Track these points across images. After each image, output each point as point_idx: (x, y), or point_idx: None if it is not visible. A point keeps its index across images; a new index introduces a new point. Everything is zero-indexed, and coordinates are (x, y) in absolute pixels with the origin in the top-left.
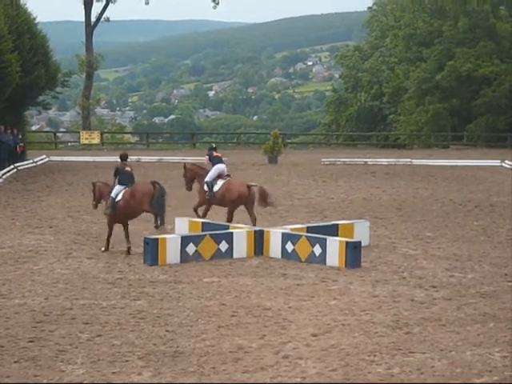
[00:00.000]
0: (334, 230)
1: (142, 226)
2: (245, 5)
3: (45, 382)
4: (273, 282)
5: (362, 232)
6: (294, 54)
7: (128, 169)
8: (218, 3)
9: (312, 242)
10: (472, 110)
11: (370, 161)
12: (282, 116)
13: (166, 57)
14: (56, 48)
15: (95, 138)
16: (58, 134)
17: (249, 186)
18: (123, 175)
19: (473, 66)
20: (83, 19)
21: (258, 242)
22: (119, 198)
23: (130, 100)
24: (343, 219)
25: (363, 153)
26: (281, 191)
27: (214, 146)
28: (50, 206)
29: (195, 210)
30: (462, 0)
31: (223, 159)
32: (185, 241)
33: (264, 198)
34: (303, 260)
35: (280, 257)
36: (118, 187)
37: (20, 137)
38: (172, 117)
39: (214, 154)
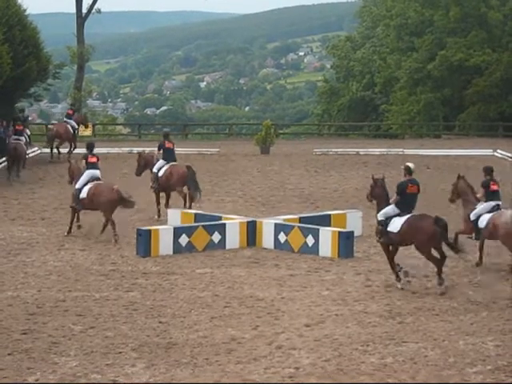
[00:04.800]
0: (326, 221)
1: (135, 217)
2: None
3: (38, 374)
4: (266, 272)
5: (354, 222)
6: (286, 44)
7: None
8: None
9: (305, 232)
10: (464, 100)
11: (362, 151)
12: (274, 106)
13: (157, 48)
14: (47, 40)
15: (87, 130)
16: (49, 126)
17: None
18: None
19: (464, 55)
20: (74, 11)
21: (251, 232)
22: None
23: (121, 91)
24: (336, 209)
25: (355, 143)
26: (273, 182)
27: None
28: (42, 197)
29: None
30: None
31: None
32: (178, 232)
33: None
34: (296, 250)
35: (273, 247)
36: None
37: (11, 129)
38: (164, 108)
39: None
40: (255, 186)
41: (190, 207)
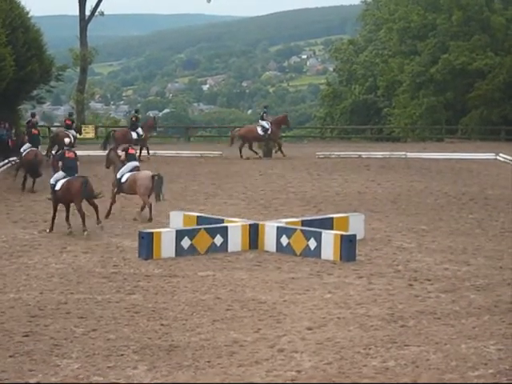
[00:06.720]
0: (328, 224)
1: (137, 219)
2: None
3: (40, 376)
4: (268, 275)
5: (356, 225)
6: (289, 47)
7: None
8: None
9: (307, 235)
10: (466, 104)
11: (364, 154)
12: (277, 109)
13: (160, 51)
14: (50, 42)
15: (90, 133)
16: (52, 129)
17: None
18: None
19: (467, 59)
20: (77, 13)
21: (253, 235)
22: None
23: (124, 94)
24: (338, 212)
25: (358, 146)
26: (276, 185)
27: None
28: (44, 200)
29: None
30: None
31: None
32: (180, 235)
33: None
34: (298, 254)
35: (275, 250)
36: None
37: (13, 131)
38: (166, 111)
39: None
40: (258, 188)
41: (23, 187)
